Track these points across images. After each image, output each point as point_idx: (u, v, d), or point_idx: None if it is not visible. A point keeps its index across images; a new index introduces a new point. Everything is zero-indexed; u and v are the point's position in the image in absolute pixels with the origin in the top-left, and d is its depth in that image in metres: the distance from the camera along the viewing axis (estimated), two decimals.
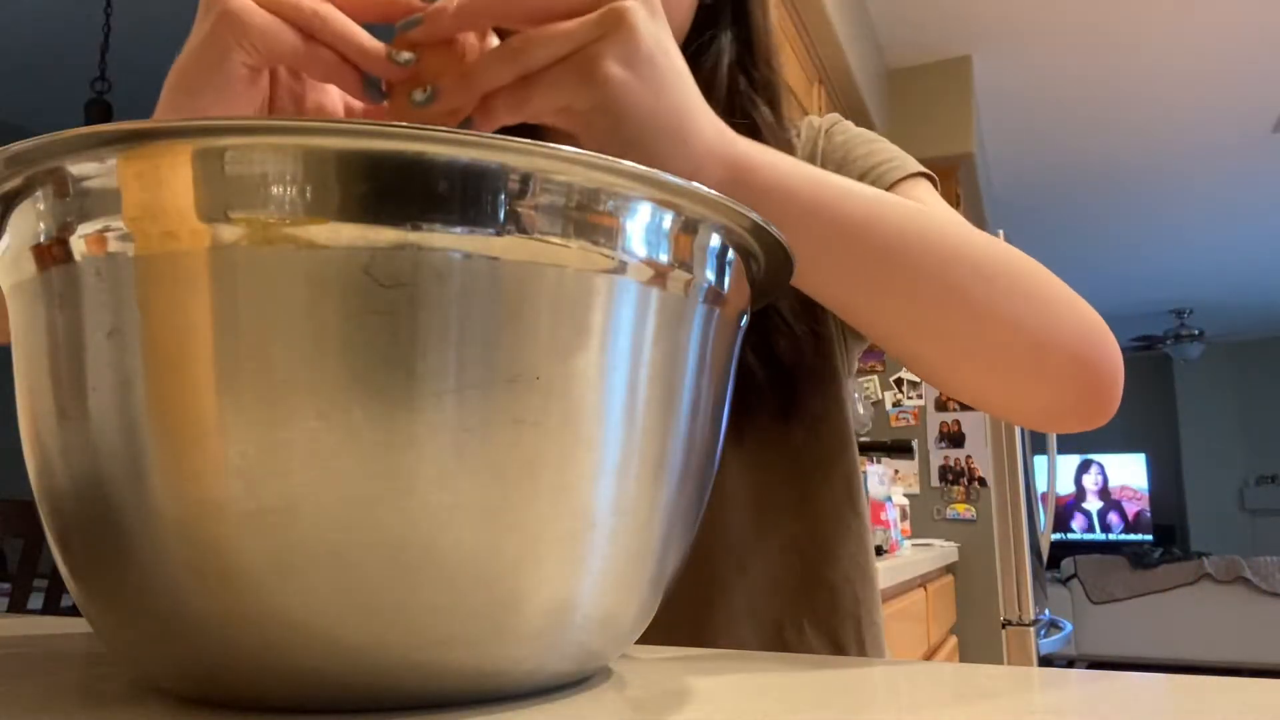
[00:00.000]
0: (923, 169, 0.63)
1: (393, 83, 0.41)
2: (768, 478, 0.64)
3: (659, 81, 0.39)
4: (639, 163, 0.28)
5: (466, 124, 0.40)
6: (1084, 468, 8.18)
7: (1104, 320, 0.52)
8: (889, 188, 0.60)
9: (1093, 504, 8.11)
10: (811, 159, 0.66)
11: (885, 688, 0.34)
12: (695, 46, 0.61)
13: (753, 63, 0.63)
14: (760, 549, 0.63)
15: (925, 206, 0.51)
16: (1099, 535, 8.01)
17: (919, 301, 0.47)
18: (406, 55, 0.40)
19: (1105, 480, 8.14)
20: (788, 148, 0.61)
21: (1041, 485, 3.47)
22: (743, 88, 0.62)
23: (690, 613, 0.60)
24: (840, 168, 0.63)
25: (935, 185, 0.63)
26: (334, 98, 0.45)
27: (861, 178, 0.61)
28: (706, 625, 0.61)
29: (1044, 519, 3.24)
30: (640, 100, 0.38)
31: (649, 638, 0.57)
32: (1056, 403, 0.51)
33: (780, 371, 0.61)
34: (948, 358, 0.50)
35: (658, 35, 0.39)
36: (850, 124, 0.69)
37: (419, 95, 0.39)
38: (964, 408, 2.77)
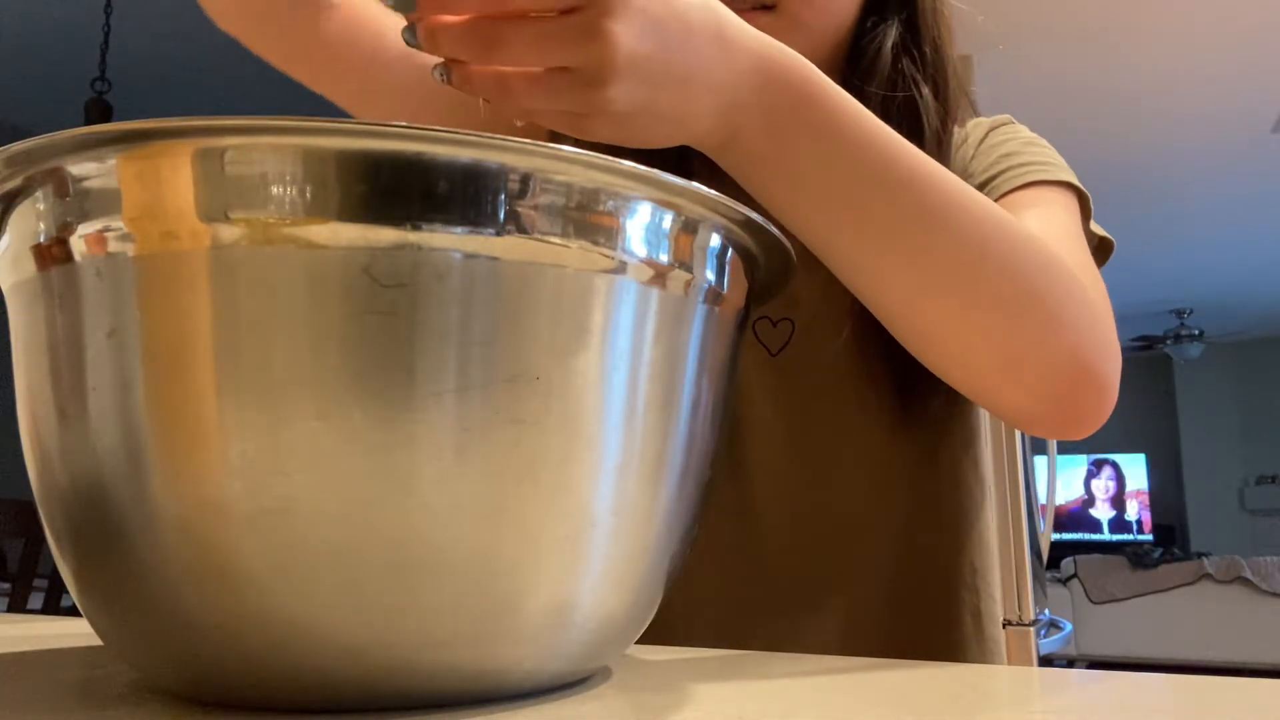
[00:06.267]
0: (1073, 181, 0.59)
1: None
2: (926, 456, 0.68)
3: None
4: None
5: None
6: (1094, 471, 8.18)
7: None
8: (1014, 190, 0.58)
9: (1102, 511, 8.10)
10: (963, 159, 0.64)
11: (885, 688, 0.34)
12: (860, 29, 0.62)
13: (915, 44, 0.62)
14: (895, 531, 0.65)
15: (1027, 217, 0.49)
16: (1102, 535, 8.01)
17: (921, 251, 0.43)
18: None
19: (1120, 485, 8.13)
20: (943, 129, 0.60)
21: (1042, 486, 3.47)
22: (905, 68, 0.61)
23: (805, 596, 0.61)
24: (978, 158, 0.63)
25: (1086, 205, 0.60)
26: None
27: (988, 175, 0.60)
28: (820, 606, 0.61)
29: (1043, 520, 3.23)
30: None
31: (745, 619, 0.58)
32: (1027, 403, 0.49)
33: None
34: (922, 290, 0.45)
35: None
36: (1023, 129, 0.66)
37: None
38: None
